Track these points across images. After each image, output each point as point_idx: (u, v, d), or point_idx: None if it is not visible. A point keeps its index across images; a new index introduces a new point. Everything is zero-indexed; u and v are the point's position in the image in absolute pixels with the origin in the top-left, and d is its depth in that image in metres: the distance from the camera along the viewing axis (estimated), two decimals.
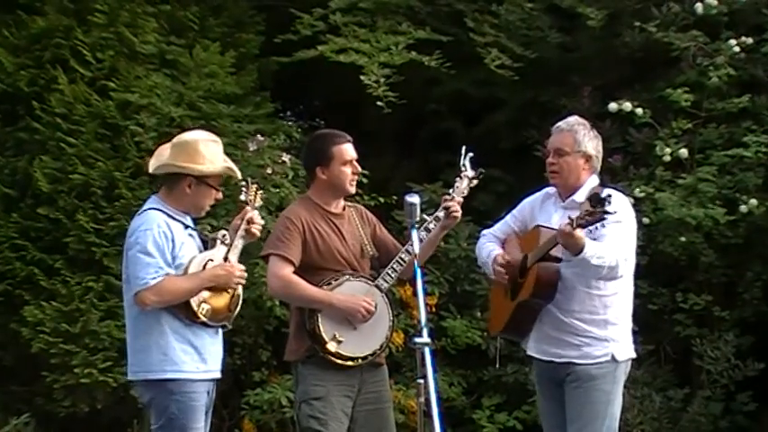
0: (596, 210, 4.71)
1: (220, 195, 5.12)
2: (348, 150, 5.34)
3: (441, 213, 5.36)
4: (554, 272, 5.05)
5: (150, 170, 5.18)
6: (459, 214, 5.37)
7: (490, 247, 5.41)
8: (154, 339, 4.90)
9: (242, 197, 5.24)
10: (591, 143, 5.21)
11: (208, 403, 5.02)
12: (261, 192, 5.33)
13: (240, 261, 5.12)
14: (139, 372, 4.97)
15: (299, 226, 5.25)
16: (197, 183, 5.01)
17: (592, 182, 5.22)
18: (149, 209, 5.01)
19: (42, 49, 8.90)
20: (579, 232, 4.80)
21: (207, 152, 5.02)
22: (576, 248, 4.85)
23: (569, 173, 5.18)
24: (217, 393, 5.12)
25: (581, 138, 5.18)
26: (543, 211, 5.28)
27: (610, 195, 4.75)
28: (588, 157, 5.19)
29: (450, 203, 5.35)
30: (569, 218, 4.83)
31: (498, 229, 5.48)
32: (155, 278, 4.84)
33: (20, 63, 8.91)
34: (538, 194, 5.39)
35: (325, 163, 5.32)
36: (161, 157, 5.10)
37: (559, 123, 5.29)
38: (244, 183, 5.30)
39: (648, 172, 8.61)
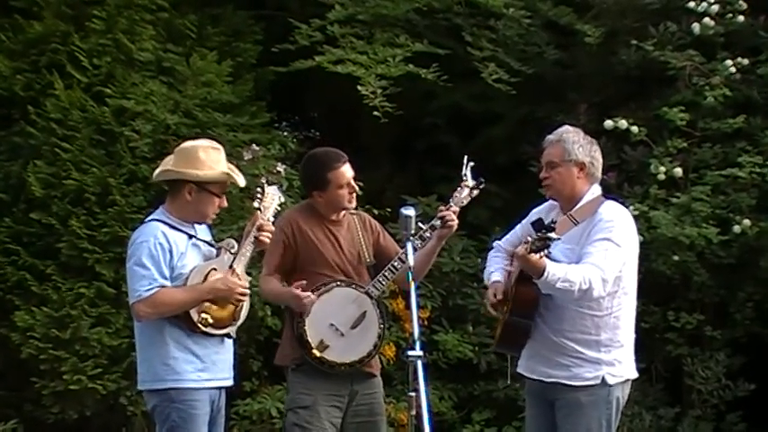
0: (540, 236, 4.57)
1: (224, 203, 5.07)
2: (345, 173, 5.31)
3: (437, 222, 5.32)
4: (530, 290, 4.88)
5: (154, 178, 5.16)
6: (455, 223, 5.33)
7: (494, 265, 5.29)
8: (156, 349, 4.92)
9: (255, 204, 5.16)
10: (582, 150, 5.03)
11: (215, 411, 5.02)
12: (280, 197, 5.22)
13: None
14: (146, 382, 5.00)
15: (286, 232, 5.27)
16: (197, 189, 4.97)
17: (593, 192, 5.06)
18: (150, 220, 5.00)
19: (39, 54, 8.89)
20: (535, 256, 4.64)
21: (206, 158, 4.99)
22: (537, 272, 4.71)
23: (562, 184, 5.04)
24: (227, 400, 5.11)
25: (570, 146, 5.03)
26: None
27: (553, 221, 4.62)
28: (582, 166, 5.02)
29: (446, 213, 5.32)
30: (528, 239, 4.69)
31: (507, 240, 5.37)
32: (149, 290, 4.84)
33: (16, 67, 8.89)
34: (544, 205, 5.25)
35: (321, 188, 5.31)
36: (164, 166, 5.08)
37: (549, 136, 5.15)
38: (258, 189, 5.20)
39: (643, 190, 8.61)
